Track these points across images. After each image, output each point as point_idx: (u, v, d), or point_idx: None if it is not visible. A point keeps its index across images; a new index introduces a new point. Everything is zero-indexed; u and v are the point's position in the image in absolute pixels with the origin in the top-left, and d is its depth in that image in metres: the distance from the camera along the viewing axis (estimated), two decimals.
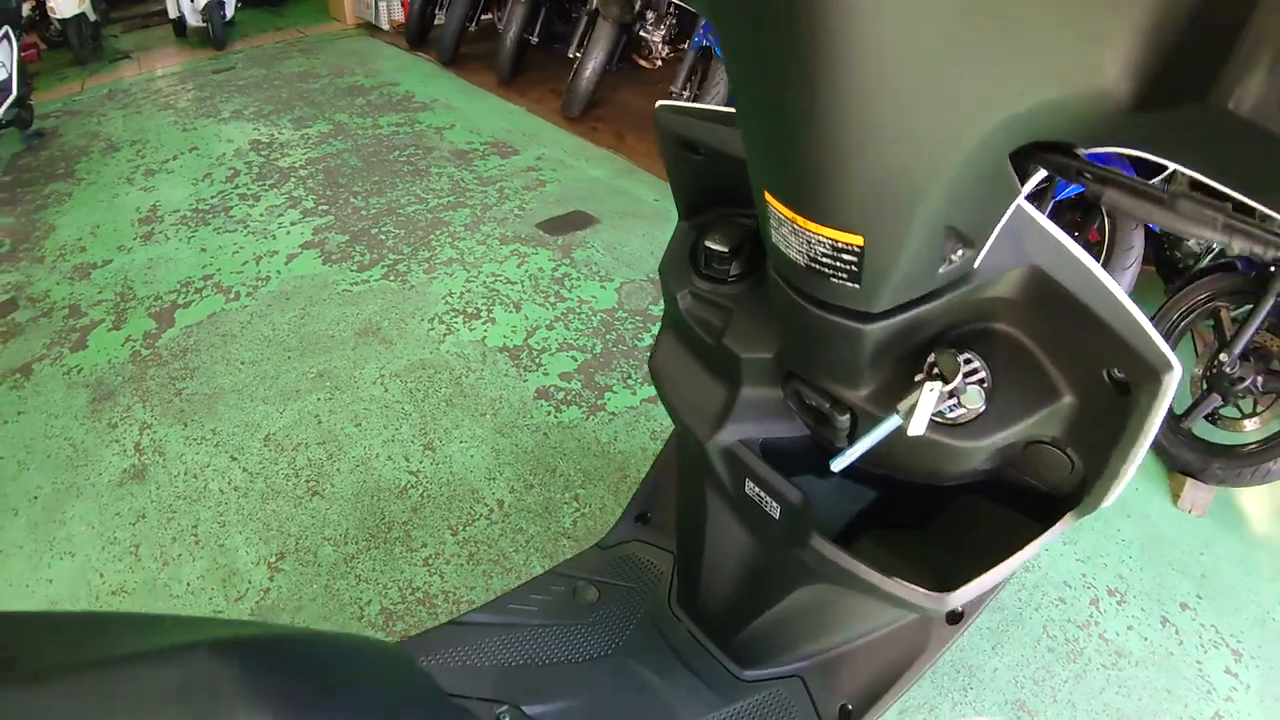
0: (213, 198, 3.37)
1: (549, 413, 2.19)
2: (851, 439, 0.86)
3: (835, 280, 0.68)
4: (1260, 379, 2.01)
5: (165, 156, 3.80)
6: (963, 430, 0.78)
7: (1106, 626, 1.78)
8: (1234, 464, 2.01)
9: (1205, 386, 2.12)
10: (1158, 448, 2.19)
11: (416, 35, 5.02)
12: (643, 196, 3.28)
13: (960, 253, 0.66)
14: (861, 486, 0.97)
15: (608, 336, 2.48)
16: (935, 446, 0.79)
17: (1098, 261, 2.11)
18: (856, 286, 0.67)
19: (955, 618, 1.09)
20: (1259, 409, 2.06)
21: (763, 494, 0.99)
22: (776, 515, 0.98)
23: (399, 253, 2.92)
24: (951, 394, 0.76)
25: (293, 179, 3.48)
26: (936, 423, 0.79)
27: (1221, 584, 1.89)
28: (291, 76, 4.80)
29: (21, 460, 2.11)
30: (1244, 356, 2.02)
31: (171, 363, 2.40)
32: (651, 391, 2.25)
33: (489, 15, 4.73)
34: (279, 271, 2.83)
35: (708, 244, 0.96)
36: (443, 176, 3.46)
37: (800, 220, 0.65)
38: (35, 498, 2.00)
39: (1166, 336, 2.22)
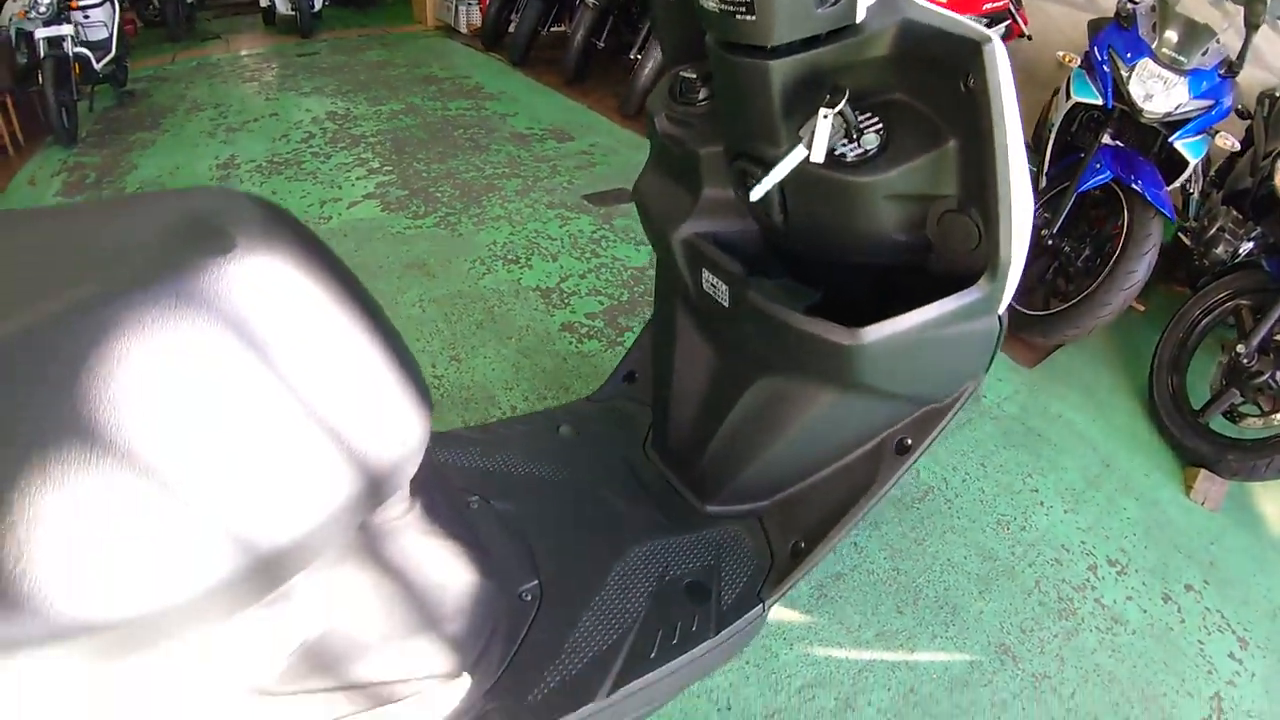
0: (287, 153, 3.59)
1: (571, 343, 2.29)
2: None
3: (738, 17, 0.87)
4: (1278, 374, 2.01)
5: (246, 118, 4.06)
6: (862, 168, 0.96)
7: (1104, 593, 1.77)
8: (1249, 456, 2.00)
9: (1224, 382, 2.11)
10: (1170, 439, 2.18)
11: (491, 37, 5.29)
12: None
13: None
14: (803, 287, 1.09)
15: (635, 289, 2.58)
16: (843, 188, 0.97)
17: (1117, 249, 2.16)
18: (752, 18, 0.86)
19: (903, 448, 1.14)
20: (1278, 405, 2.04)
21: (715, 282, 1.14)
22: (726, 303, 1.13)
23: (452, 208, 3.07)
24: (849, 136, 0.95)
25: (363, 144, 3.69)
26: (841, 162, 0.97)
27: (1231, 575, 1.87)
28: (371, 64, 5.09)
29: None
30: (1262, 350, 2.03)
31: None
32: None
33: (560, 26, 4.99)
34: (340, 214, 3.01)
35: (680, 73, 1.16)
36: (501, 153, 3.64)
37: None
38: None
39: (1188, 334, 2.22)
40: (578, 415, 1.48)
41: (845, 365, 1.03)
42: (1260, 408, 2.07)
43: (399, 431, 0.63)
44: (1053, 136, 2.59)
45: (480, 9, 5.64)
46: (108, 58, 4.17)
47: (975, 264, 0.97)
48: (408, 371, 0.64)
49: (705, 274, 1.16)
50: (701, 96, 1.16)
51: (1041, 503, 1.96)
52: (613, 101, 4.31)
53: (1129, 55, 2.24)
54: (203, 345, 0.50)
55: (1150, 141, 2.32)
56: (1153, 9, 2.30)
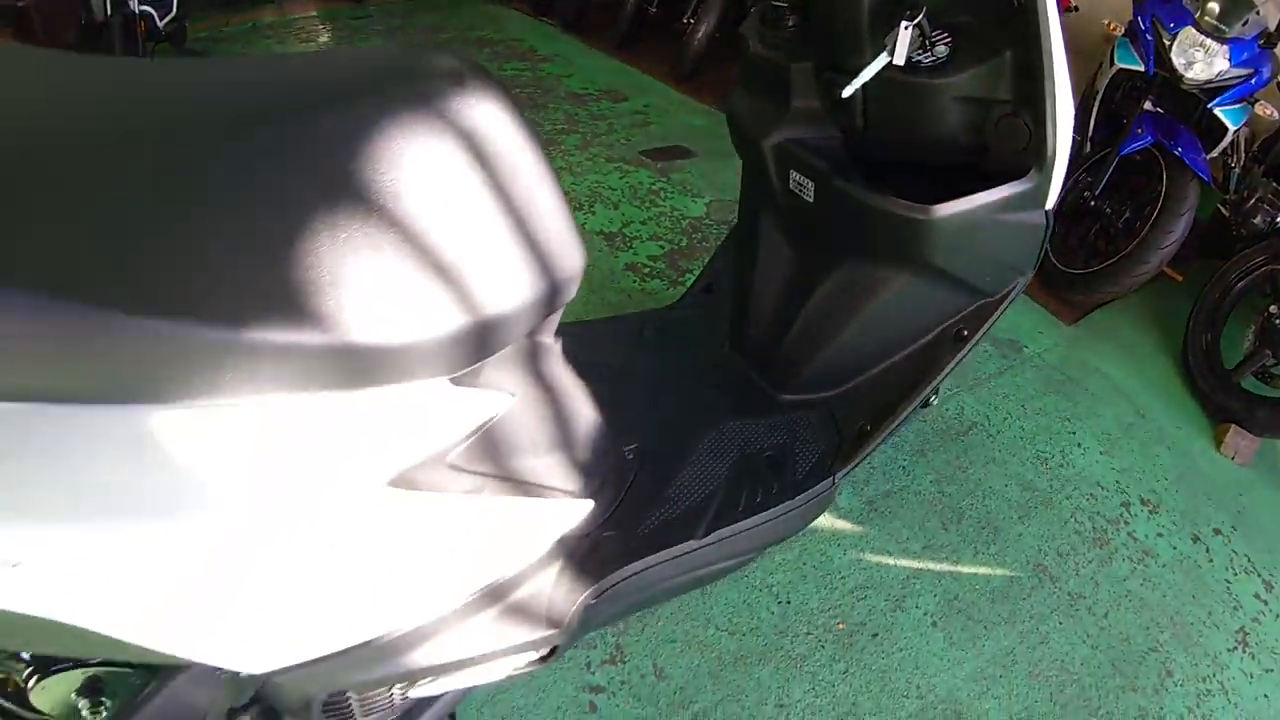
0: None
1: (634, 281, 2.43)
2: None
3: None
4: None
5: None
6: (935, 73, 1.14)
7: (1136, 528, 1.88)
8: (1273, 409, 2.10)
9: (1257, 343, 2.21)
10: (1203, 396, 2.28)
11: (543, 2, 5.39)
12: None
13: None
14: (878, 185, 1.26)
15: (694, 235, 2.71)
16: (919, 90, 1.16)
17: (1155, 211, 2.27)
18: None
19: (960, 338, 1.28)
20: None
21: (802, 180, 1.32)
22: (811, 198, 1.30)
23: None
24: (924, 46, 1.13)
25: None
26: (917, 67, 1.14)
27: (1258, 524, 1.97)
28: (424, 27, 5.20)
29: None
30: None
31: None
32: None
33: None
34: None
35: (772, 2, 1.33)
36: (559, 111, 3.76)
37: None
38: None
39: (1223, 296, 2.32)
40: (660, 320, 1.62)
41: (918, 242, 1.20)
42: None
43: (568, 254, 0.76)
44: (1097, 103, 2.69)
45: None
46: (169, 16, 4.30)
47: (1025, 163, 1.15)
48: (568, 213, 0.78)
49: (793, 175, 1.34)
50: (790, 23, 1.34)
51: (1079, 444, 2.07)
52: (665, 66, 4.40)
53: (1172, 24, 2.32)
54: (431, 145, 0.63)
55: (1191, 109, 2.40)
56: None
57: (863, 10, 1.15)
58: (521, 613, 0.92)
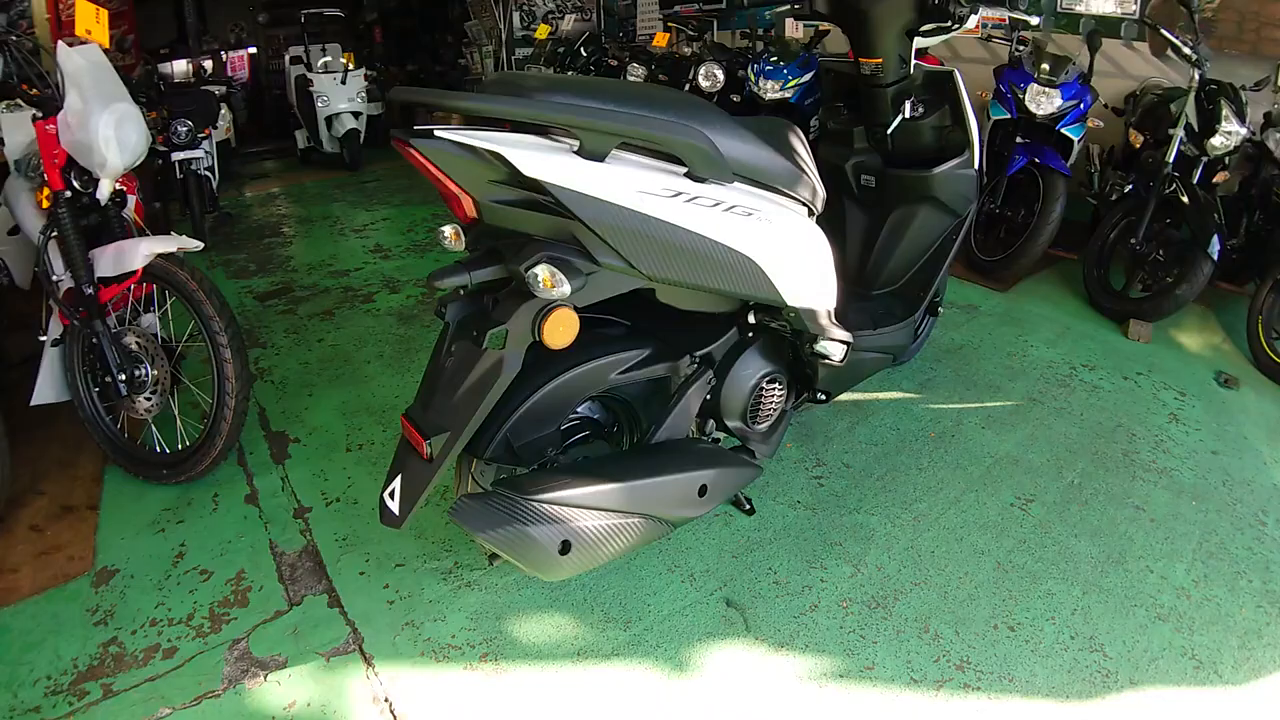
0: (421, 239, 4.65)
1: None
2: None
3: (879, 74, 2.26)
4: (1159, 252, 3.16)
5: (362, 223, 5.13)
6: (919, 118, 2.34)
7: (1085, 376, 2.80)
8: (1155, 301, 3.11)
9: (1132, 267, 3.26)
10: (1105, 310, 3.29)
11: None
12: None
13: None
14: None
15: None
16: (915, 128, 2.36)
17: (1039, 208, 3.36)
18: (882, 74, 2.24)
19: (951, 240, 2.31)
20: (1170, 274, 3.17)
21: (868, 178, 2.43)
22: (874, 184, 2.39)
23: None
24: (913, 108, 2.31)
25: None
26: (912, 118, 2.33)
27: (1167, 368, 2.91)
28: (427, 185, 6.24)
29: None
30: (1147, 240, 3.19)
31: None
32: None
33: None
34: None
35: (834, 105, 2.53)
36: None
37: None
38: None
39: (1103, 244, 3.39)
40: None
41: (928, 188, 2.25)
42: (1156, 274, 3.20)
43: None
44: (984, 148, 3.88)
45: None
46: (215, 180, 5.21)
47: (962, 148, 2.25)
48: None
49: (863, 177, 2.44)
50: (844, 111, 2.49)
51: (1032, 345, 3.02)
52: None
53: (1022, 84, 3.54)
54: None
55: (1046, 134, 3.58)
56: (1031, 53, 3.63)
57: (888, 100, 2.29)
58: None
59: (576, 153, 1.27)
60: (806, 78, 4.89)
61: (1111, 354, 2.99)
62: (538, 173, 1.22)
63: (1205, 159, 3.04)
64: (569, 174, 1.25)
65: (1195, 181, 3.04)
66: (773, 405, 1.84)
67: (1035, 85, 3.47)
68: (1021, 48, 3.65)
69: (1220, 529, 2.02)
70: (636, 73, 5.66)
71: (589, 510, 1.35)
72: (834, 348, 1.80)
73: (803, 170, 1.64)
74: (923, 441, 2.37)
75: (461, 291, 1.35)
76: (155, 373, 2.20)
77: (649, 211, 1.33)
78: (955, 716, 1.52)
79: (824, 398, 2.00)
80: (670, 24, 5.58)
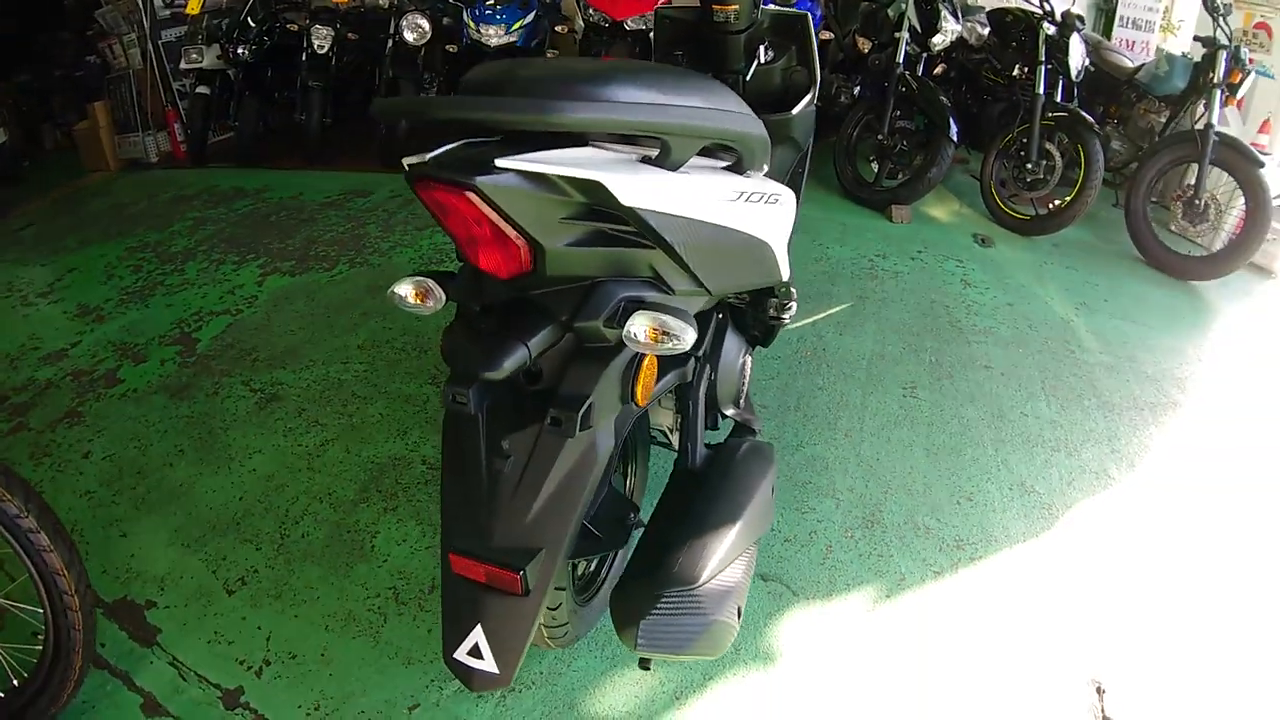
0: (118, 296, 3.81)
1: None
2: None
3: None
4: (902, 143, 3.68)
5: (44, 284, 4.06)
6: (771, 62, 2.35)
7: (881, 265, 3.26)
8: (911, 185, 3.64)
9: (879, 159, 3.75)
10: (866, 202, 3.77)
11: (199, 153, 5.52)
12: None
13: None
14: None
15: None
16: (768, 72, 2.37)
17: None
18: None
19: (800, 169, 2.45)
20: (916, 160, 3.71)
21: None
22: None
23: (344, 256, 3.70)
24: (766, 54, 2.30)
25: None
26: (766, 63, 2.34)
27: (937, 241, 3.48)
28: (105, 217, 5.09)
29: None
30: (890, 134, 3.68)
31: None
32: None
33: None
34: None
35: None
36: (324, 221, 4.23)
37: None
38: None
39: (849, 144, 3.83)
40: None
41: (788, 127, 2.33)
42: (903, 162, 3.73)
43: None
44: None
45: (170, 134, 5.78)
46: None
47: (807, 89, 2.34)
48: None
49: None
50: (684, 63, 2.40)
51: (828, 247, 3.42)
52: (365, 159, 5.01)
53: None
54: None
55: None
56: None
57: (740, 46, 2.27)
58: None
59: (655, 163, 1.07)
60: (529, 19, 4.75)
61: (889, 239, 3.47)
62: (636, 200, 1.01)
63: (925, 55, 3.55)
64: (662, 195, 1.06)
65: (920, 75, 3.55)
66: (749, 378, 1.89)
67: None
68: None
69: (1049, 366, 2.54)
70: (322, 34, 5.04)
71: (735, 564, 1.25)
72: (793, 303, 1.87)
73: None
74: (804, 361, 2.60)
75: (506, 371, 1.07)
76: None
77: (725, 222, 1.20)
78: (984, 584, 1.80)
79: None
80: None
